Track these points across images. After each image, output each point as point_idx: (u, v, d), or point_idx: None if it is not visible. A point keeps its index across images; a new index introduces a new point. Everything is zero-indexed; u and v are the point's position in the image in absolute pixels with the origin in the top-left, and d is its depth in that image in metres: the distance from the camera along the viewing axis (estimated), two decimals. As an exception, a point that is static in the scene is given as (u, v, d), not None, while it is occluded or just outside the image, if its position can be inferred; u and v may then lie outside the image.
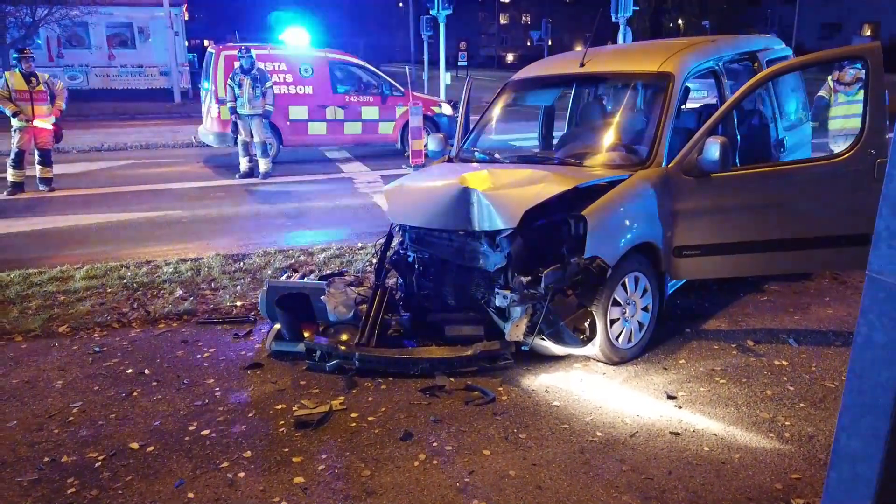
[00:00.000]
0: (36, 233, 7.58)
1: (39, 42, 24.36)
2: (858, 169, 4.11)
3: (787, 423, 3.34)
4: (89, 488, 2.92)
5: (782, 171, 4.49)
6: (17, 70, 9.14)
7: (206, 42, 28.70)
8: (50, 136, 9.41)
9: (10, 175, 9.21)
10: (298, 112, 11.98)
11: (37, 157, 9.41)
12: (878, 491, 1.47)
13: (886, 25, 40.92)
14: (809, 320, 4.63)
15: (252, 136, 10.60)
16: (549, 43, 35.46)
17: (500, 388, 3.74)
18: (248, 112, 10.44)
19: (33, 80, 9.15)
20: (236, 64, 10.59)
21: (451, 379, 3.83)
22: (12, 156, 9.22)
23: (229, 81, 10.54)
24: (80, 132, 16.23)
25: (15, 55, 9.35)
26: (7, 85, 9.02)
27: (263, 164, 10.68)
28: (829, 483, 1.58)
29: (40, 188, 9.46)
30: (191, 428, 3.38)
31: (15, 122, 9.11)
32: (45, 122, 9.25)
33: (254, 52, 10.67)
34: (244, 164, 10.78)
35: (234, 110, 10.54)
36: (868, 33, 42.65)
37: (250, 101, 10.36)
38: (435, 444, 3.21)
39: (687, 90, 5.02)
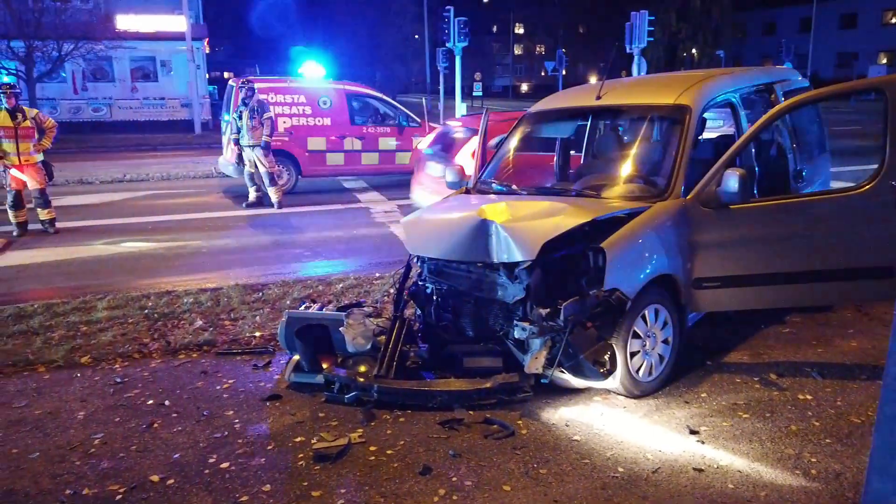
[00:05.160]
0: (59, 263, 7.70)
1: (64, 75, 25.06)
2: (880, 200, 4.08)
3: (813, 459, 3.27)
4: (110, 521, 2.92)
5: (802, 203, 4.46)
6: (2, 108, 8.64)
7: (226, 74, 29.32)
8: (41, 174, 8.94)
9: (12, 217, 8.89)
10: (317, 143, 12.16)
11: (34, 201, 8.92)
12: (913, 536, 1.44)
13: (902, 54, 40.95)
14: (833, 353, 4.56)
15: (255, 166, 10.75)
16: (564, 73, 35.77)
17: (520, 422, 3.71)
18: (248, 143, 10.62)
19: (19, 115, 8.67)
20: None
21: (470, 412, 3.81)
22: (9, 199, 8.83)
23: (234, 114, 10.76)
24: (103, 163, 16.57)
25: None
26: None
27: (273, 195, 10.77)
28: (862, 526, 1.55)
29: (49, 231, 9.01)
30: (210, 460, 3.39)
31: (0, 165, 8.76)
32: (31, 160, 8.80)
33: (256, 86, 10.87)
34: (252, 193, 10.96)
35: (237, 141, 10.75)
36: (884, 62, 42.61)
37: (249, 132, 10.54)
38: (454, 479, 3.18)
39: (704, 121, 5.04)
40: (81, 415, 3.92)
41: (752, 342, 4.77)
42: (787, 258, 4.22)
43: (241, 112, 10.58)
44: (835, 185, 5.90)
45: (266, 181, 10.75)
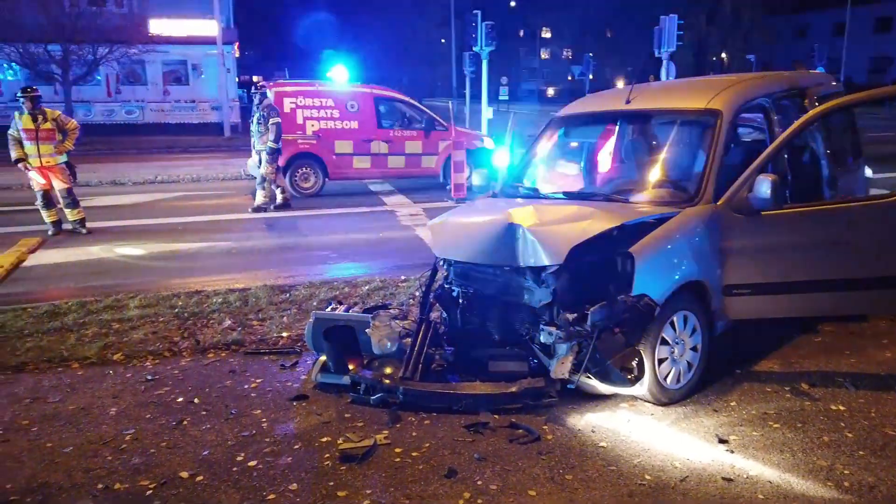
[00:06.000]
0: (91, 261, 7.87)
1: (99, 78, 25.63)
2: (917, 208, 4.00)
3: (846, 471, 3.20)
4: (140, 516, 2.97)
5: (836, 210, 4.38)
6: (23, 111, 8.71)
7: (255, 78, 29.73)
8: (65, 173, 8.98)
9: (45, 217, 9.07)
10: (344, 146, 12.26)
11: (62, 201, 9.07)
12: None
13: (939, 58, 40.03)
14: (867, 363, 4.47)
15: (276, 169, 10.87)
16: (591, 77, 35.56)
17: (545, 427, 3.69)
18: (258, 147, 10.75)
19: (39, 117, 8.71)
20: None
21: (495, 416, 3.80)
22: (39, 200, 9.00)
23: (251, 117, 10.94)
24: (135, 164, 16.90)
25: (20, 95, 8.75)
26: (16, 126, 8.70)
27: (258, 197, 10.91)
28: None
29: (80, 231, 9.14)
30: (238, 458, 3.43)
31: (21, 167, 8.83)
32: (52, 161, 8.82)
33: (270, 92, 10.98)
34: (278, 195, 11.14)
35: (253, 145, 10.90)
36: (920, 66, 41.63)
37: (258, 136, 10.67)
38: (479, 482, 3.17)
39: (735, 126, 4.98)
40: (113, 411, 3.99)
41: (783, 351, 4.69)
42: (819, 266, 4.15)
43: (254, 117, 10.74)
44: (870, 191, 5.78)
45: (258, 179, 10.91)
